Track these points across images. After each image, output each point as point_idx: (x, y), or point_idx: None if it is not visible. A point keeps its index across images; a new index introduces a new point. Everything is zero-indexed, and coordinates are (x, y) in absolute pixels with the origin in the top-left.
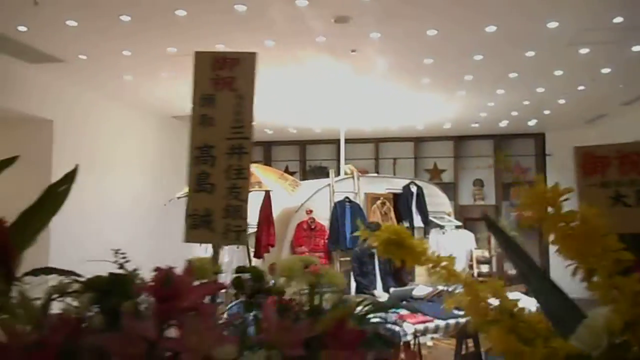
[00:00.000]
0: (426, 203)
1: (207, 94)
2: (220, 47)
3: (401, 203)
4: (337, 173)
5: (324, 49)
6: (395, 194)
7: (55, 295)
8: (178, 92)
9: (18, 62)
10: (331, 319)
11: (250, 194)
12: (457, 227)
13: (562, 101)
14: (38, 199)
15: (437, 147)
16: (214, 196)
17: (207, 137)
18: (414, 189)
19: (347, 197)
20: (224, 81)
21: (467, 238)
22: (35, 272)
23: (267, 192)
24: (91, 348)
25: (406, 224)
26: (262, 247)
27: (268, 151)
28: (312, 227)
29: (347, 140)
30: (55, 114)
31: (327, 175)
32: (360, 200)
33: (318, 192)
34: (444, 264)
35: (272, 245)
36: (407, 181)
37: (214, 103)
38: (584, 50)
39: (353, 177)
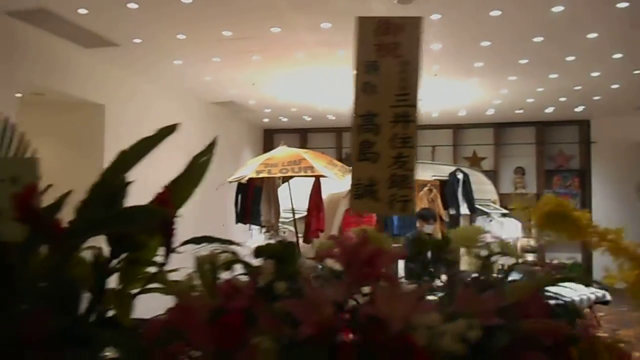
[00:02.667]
0: (472, 190)
1: (370, 61)
2: (275, 31)
3: (447, 190)
4: None
5: None
6: (441, 181)
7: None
8: (225, 77)
9: (74, 47)
10: (524, 288)
11: (299, 180)
12: (503, 215)
13: (615, 86)
14: (184, 170)
15: (477, 135)
16: (378, 165)
17: (371, 105)
18: (460, 175)
19: None
20: (387, 47)
21: (513, 226)
22: (196, 241)
23: (317, 178)
24: (274, 314)
25: (452, 212)
26: (311, 232)
27: (304, 138)
28: (360, 212)
29: None
30: (107, 98)
31: None
32: None
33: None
34: (610, 237)
35: (322, 230)
36: (453, 168)
37: (377, 70)
38: None
39: None
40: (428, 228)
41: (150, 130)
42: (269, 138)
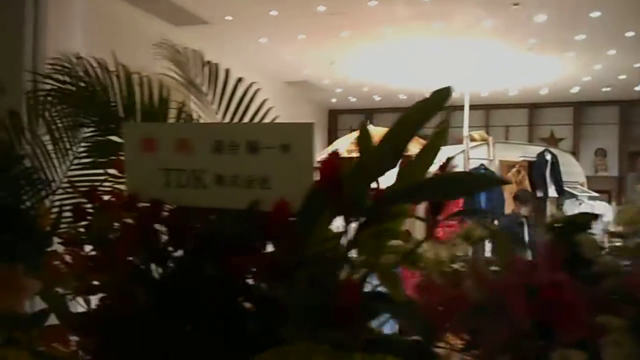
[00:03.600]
0: (561, 172)
1: None
2: (372, 4)
3: (535, 172)
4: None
5: (481, 4)
6: (529, 162)
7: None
8: (305, 56)
9: (163, 24)
10: None
11: None
12: (592, 198)
13: None
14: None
15: (555, 114)
16: None
17: None
18: (548, 157)
19: (482, 164)
20: None
21: (603, 210)
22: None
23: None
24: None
25: (539, 194)
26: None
27: (371, 119)
28: None
29: (455, 107)
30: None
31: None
32: (495, 168)
33: (452, 159)
34: None
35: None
36: (542, 148)
37: None
38: None
39: (488, 144)
40: (524, 210)
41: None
42: (333, 119)
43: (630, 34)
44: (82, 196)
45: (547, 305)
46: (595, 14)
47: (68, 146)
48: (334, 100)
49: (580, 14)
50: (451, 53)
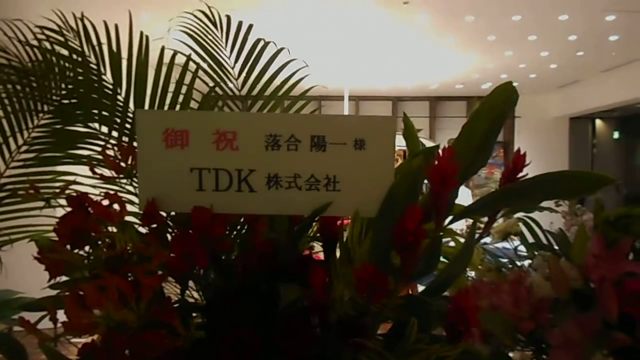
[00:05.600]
0: None
1: None
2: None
3: None
4: None
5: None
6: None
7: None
8: None
9: None
10: None
11: None
12: None
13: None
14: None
15: (414, 107)
16: None
17: None
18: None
19: None
20: None
21: (464, 194)
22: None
23: None
24: None
25: None
26: None
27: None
28: None
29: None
30: None
31: None
32: None
33: None
34: None
35: None
36: None
37: None
38: None
39: None
40: None
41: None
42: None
43: (491, 37)
44: (71, 204)
45: (633, 297)
46: (469, 19)
47: (8, 134)
48: None
49: (456, 17)
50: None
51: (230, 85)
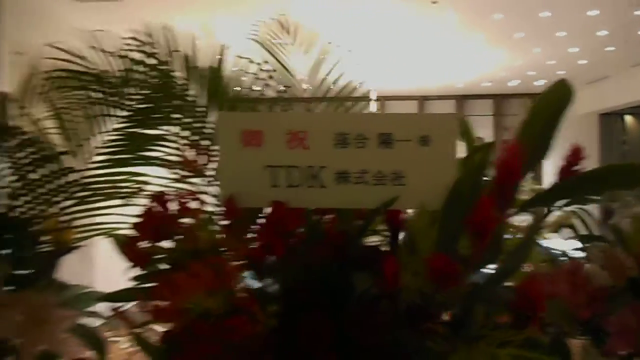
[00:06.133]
0: None
1: None
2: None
3: None
4: None
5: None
6: None
7: None
8: None
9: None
10: None
11: None
12: None
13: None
14: None
15: (441, 106)
16: None
17: None
18: None
19: None
20: None
21: None
22: None
23: None
24: None
25: None
26: None
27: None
28: None
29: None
30: None
31: None
32: None
33: None
34: None
35: None
36: None
37: None
38: None
39: None
40: None
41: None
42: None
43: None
44: (153, 202)
45: None
46: (498, 16)
47: (88, 137)
48: None
49: (484, 15)
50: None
51: (294, 86)
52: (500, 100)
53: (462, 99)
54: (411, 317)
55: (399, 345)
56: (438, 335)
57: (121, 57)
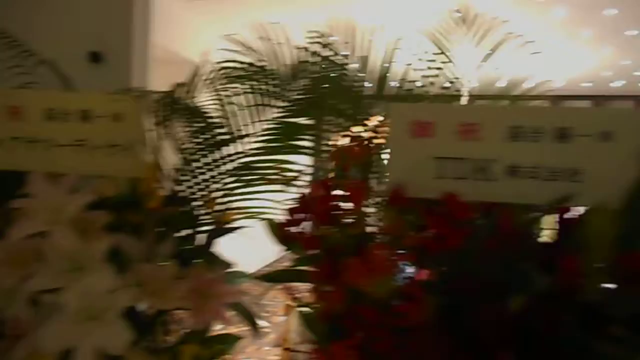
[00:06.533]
0: None
1: None
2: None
3: None
4: None
5: None
6: None
7: None
8: None
9: None
10: None
11: None
12: None
13: None
14: None
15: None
16: None
17: None
18: None
19: None
20: None
21: None
22: None
23: None
24: None
25: None
26: None
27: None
28: None
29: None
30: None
31: None
32: None
33: None
34: None
35: None
36: None
37: None
38: None
39: None
40: None
41: None
42: None
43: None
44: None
45: None
46: (611, 12)
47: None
48: None
49: (595, 10)
50: None
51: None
52: (600, 101)
53: (557, 99)
54: (592, 317)
55: (579, 344)
56: (618, 338)
57: (299, 48)
